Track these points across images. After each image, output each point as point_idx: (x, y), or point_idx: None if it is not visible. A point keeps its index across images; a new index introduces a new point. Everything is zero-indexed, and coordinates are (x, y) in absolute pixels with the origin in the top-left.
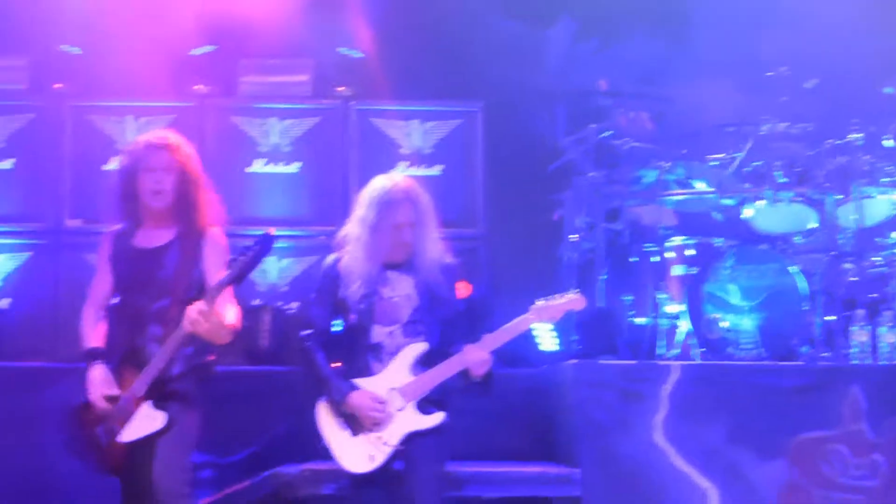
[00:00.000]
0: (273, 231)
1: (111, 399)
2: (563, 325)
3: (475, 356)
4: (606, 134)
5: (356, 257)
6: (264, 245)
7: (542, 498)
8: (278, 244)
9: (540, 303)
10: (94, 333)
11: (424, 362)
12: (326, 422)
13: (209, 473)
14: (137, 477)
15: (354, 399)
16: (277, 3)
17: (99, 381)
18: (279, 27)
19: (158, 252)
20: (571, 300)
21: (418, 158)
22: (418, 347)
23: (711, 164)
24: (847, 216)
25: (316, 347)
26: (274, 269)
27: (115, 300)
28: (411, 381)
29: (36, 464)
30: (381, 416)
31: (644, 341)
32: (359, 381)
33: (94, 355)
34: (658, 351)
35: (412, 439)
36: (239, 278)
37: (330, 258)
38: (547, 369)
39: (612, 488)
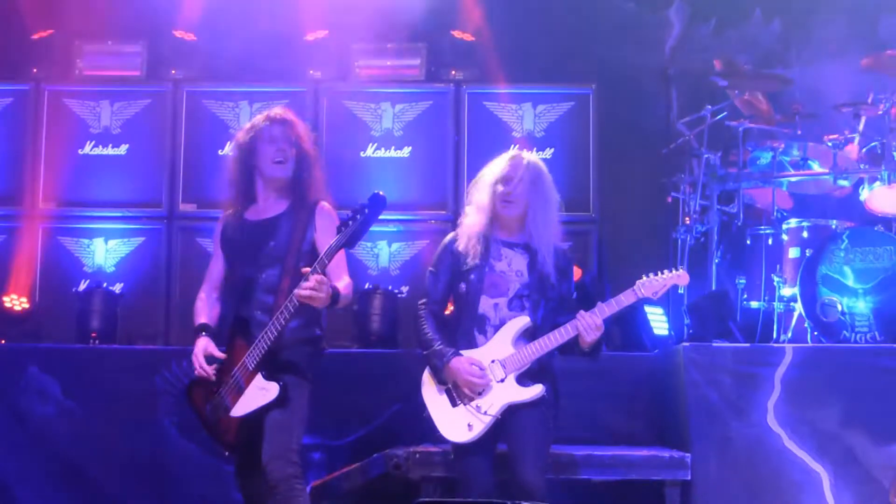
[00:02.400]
0: (382, 192)
1: (218, 366)
2: (674, 309)
3: (589, 321)
4: (721, 115)
5: (470, 224)
6: (374, 206)
7: (654, 482)
8: (389, 228)
9: (644, 278)
10: (206, 313)
11: (527, 336)
12: (429, 390)
13: (319, 456)
14: (252, 453)
15: (454, 364)
16: None
17: (201, 350)
18: (392, 11)
19: (269, 223)
20: (676, 276)
21: (530, 141)
22: (522, 321)
23: (828, 144)
24: None
25: (427, 315)
26: (385, 253)
27: (226, 273)
28: (513, 354)
29: (151, 445)
30: (479, 381)
31: (758, 325)
32: (465, 352)
33: (200, 330)
34: (772, 334)
35: (512, 412)
36: (350, 242)
37: (452, 234)
38: (659, 353)
39: (724, 472)
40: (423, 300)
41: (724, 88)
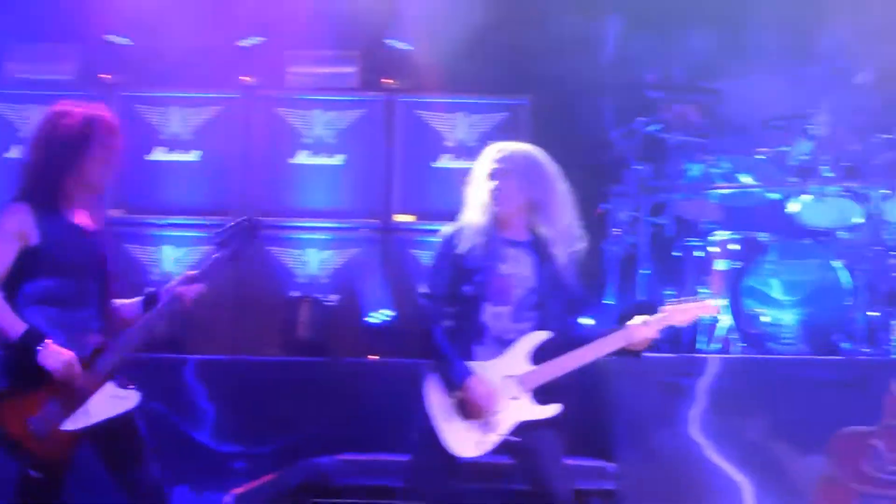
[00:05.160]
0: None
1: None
2: (603, 320)
3: (645, 335)
4: (654, 128)
5: (470, 221)
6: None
7: (578, 491)
8: (319, 236)
9: (672, 304)
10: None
11: (543, 352)
12: (437, 401)
13: (241, 464)
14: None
15: (471, 384)
16: None
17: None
18: (326, 19)
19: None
20: (703, 305)
21: (463, 151)
22: (539, 336)
23: (758, 157)
24: (893, 211)
25: (435, 320)
26: (314, 261)
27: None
28: (531, 371)
29: None
30: (490, 410)
31: (685, 335)
32: (477, 365)
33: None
34: (699, 345)
35: (526, 430)
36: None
37: (449, 227)
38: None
39: (648, 482)
40: (429, 299)
41: (657, 101)
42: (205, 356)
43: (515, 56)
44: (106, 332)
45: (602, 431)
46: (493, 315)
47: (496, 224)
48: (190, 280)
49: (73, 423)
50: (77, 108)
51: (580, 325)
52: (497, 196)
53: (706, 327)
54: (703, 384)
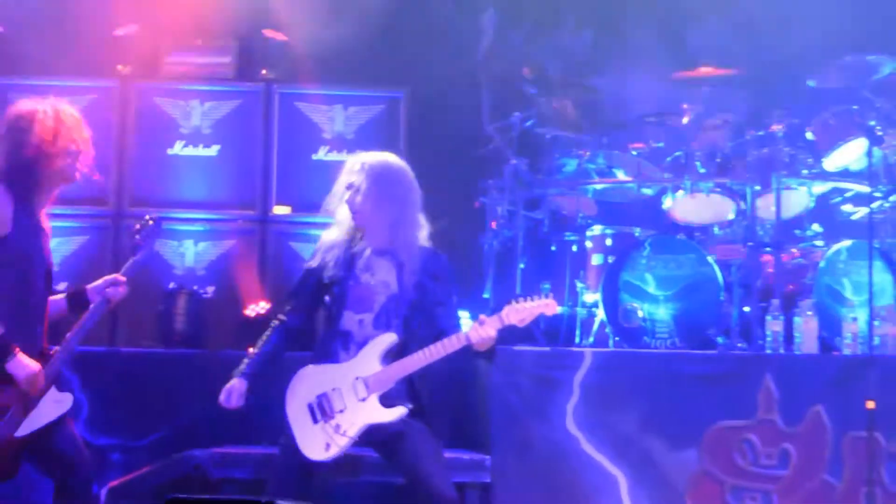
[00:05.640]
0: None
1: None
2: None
3: (479, 334)
4: (530, 123)
5: (329, 237)
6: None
7: (455, 484)
8: (195, 227)
9: (513, 304)
10: None
11: (393, 354)
12: (292, 403)
13: (118, 456)
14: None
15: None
16: None
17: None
18: (204, 8)
19: None
20: (544, 304)
21: (340, 143)
22: (388, 338)
23: (633, 153)
24: (766, 207)
25: (278, 327)
26: (191, 253)
27: None
28: (378, 372)
29: None
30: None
31: (561, 329)
32: (323, 367)
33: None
34: (575, 339)
35: (397, 438)
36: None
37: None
38: (460, 357)
39: (523, 475)
40: (288, 307)
41: (534, 96)
42: (80, 347)
43: (394, 48)
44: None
45: (479, 424)
46: (357, 322)
47: (357, 234)
48: (115, 283)
49: (23, 429)
50: (43, 105)
51: (455, 326)
52: (355, 208)
53: (583, 321)
54: (579, 378)
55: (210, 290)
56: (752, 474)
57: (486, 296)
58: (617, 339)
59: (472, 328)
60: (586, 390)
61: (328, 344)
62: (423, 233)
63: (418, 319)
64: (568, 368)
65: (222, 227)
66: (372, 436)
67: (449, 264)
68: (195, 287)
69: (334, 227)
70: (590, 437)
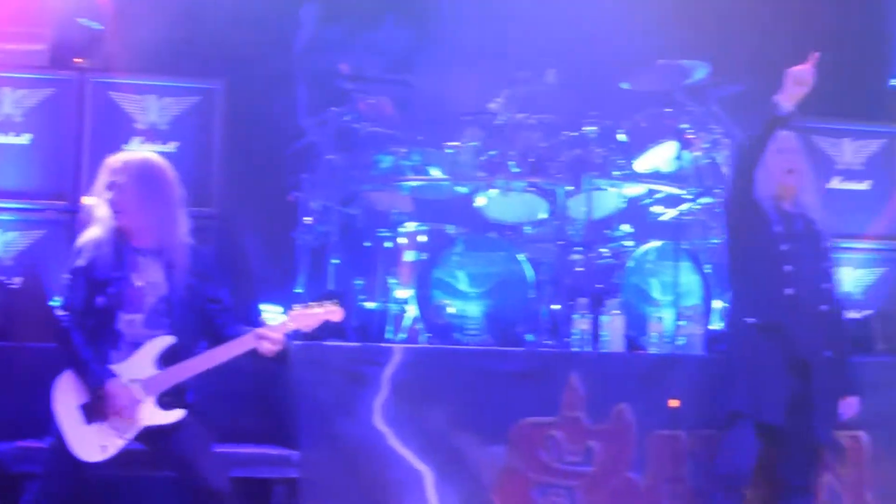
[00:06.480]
0: None
1: None
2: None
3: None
4: (347, 118)
5: (93, 235)
6: None
7: (262, 480)
8: (3, 217)
9: (298, 309)
10: None
11: (169, 356)
12: (62, 402)
13: None
14: None
15: (110, 387)
16: None
17: None
18: None
19: None
20: (330, 311)
21: (154, 134)
22: (164, 340)
23: (447, 151)
24: (577, 208)
25: (73, 327)
26: None
27: None
28: (155, 375)
29: None
30: (127, 412)
31: (373, 325)
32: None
33: None
34: (386, 335)
35: (163, 435)
36: None
37: (80, 240)
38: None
39: (332, 471)
40: (67, 311)
41: (350, 91)
42: None
43: (210, 39)
44: None
45: (286, 419)
46: (127, 322)
47: (122, 234)
48: None
49: None
50: None
51: (232, 326)
52: (115, 207)
53: (394, 317)
54: (388, 373)
55: (17, 280)
56: (557, 470)
57: (298, 291)
58: (428, 335)
59: (255, 335)
60: (395, 386)
61: (100, 344)
62: (182, 230)
63: (190, 319)
64: (377, 364)
65: (31, 217)
66: (142, 431)
67: (214, 259)
68: (1, 277)
69: (95, 225)
70: (397, 432)
